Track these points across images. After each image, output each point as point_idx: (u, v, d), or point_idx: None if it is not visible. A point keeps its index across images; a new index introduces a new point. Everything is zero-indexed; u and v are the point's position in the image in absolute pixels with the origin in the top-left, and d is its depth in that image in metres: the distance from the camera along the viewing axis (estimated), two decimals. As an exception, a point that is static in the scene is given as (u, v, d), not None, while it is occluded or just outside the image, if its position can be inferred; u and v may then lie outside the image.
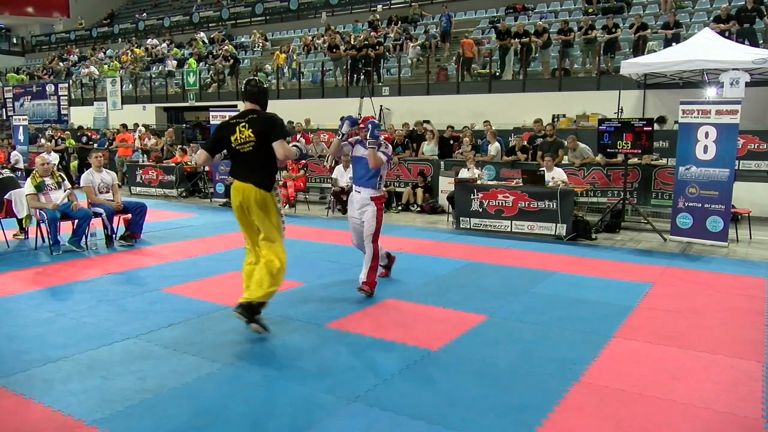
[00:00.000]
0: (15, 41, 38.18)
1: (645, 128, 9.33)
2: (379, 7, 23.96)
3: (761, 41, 13.21)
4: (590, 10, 17.83)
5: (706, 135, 8.59)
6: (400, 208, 12.30)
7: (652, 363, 4.36)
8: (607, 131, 9.64)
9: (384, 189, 6.14)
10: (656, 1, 17.38)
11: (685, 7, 16.81)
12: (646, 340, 4.83)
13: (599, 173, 10.55)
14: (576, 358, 4.41)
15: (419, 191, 12.22)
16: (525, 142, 11.86)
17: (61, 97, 22.30)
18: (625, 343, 4.77)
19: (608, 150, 9.85)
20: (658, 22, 15.74)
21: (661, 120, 12.23)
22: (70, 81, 26.01)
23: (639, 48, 14.52)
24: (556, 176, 9.77)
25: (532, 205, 9.40)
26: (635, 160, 10.26)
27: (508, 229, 9.64)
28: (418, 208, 12.11)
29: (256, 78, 5.21)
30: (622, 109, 13.34)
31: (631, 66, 12.30)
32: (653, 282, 6.63)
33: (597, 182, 10.57)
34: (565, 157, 11.04)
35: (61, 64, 30.32)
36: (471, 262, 7.63)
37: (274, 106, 5.30)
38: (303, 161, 13.08)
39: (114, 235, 8.44)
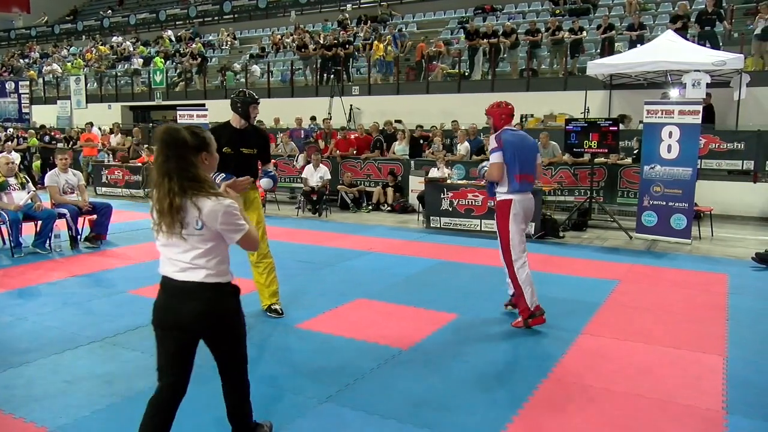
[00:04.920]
0: (-28, 37, 37.13)
1: (611, 128, 9.48)
2: (349, 6, 23.90)
3: (721, 44, 13.55)
4: (557, 11, 18.05)
5: (670, 135, 8.79)
6: (370, 207, 12.30)
7: (619, 359, 4.44)
8: (573, 131, 9.75)
9: (507, 191, 5.05)
10: (621, 3, 17.69)
11: (649, 9, 17.15)
12: (613, 336, 4.92)
13: (566, 172, 10.70)
14: (545, 355, 4.47)
15: (390, 190, 12.24)
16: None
17: (23, 95, 21.70)
18: (593, 339, 4.85)
19: (575, 150, 9.99)
20: (623, 24, 16.02)
21: (622, 119, 12.46)
22: (37, 79, 25.42)
23: (606, 49, 14.75)
24: (524, 175, 9.85)
25: (501, 204, 9.46)
26: (602, 159, 10.43)
27: (478, 228, 9.71)
28: (389, 208, 12.13)
29: (245, 90, 5.22)
30: (588, 109, 13.55)
31: (598, 67, 12.51)
32: (620, 279, 6.75)
33: (564, 181, 10.71)
34: (534, 157, 11.16)
35: (21, 61, 29.58)
36: (441, 261, 7.67)
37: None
38: (274, 161, 12.95)
39: (79, 237, 8.26)
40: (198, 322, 2.66)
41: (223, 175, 5.02)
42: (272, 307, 5.35)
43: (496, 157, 5.00)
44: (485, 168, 5.26)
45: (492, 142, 5.07)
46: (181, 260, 2.63)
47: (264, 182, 5.39)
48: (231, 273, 2.74)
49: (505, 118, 5.17)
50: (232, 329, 2.78)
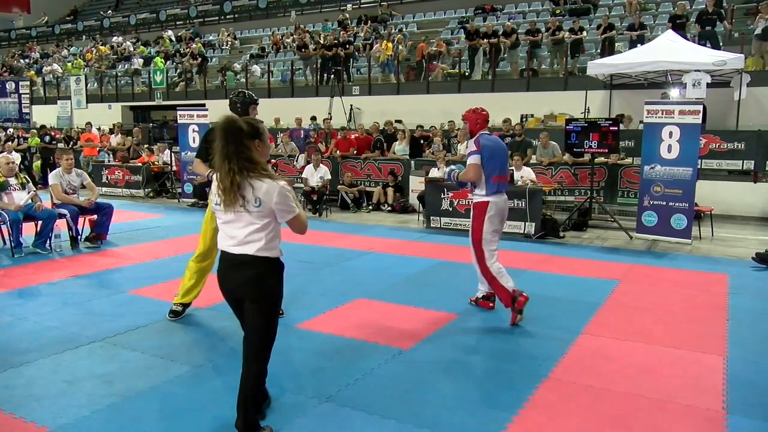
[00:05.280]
0: (-28, 37, 37.11)
1: (611, 128, 9.47)
2: (349, 6, 23.91)
3: (721, 44, 13.55)
4: (557, 11, 18.05)
5: (670, 135, 8.78)
6: (370, 207, 12.30)
7: (619, 359, 4.44)
8: (574, 131, 9.73)
9: (485, 194, 5.28)
10: (621, 3, 17.69)
11: (649, 9, 17.14)
12: (613, 336, 4.92)
13: (567, 172, 10.70)
14: (545, 356, 4.47)
15: (390, 191, 12.24)
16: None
17: (23, 95, 21.68)
18: (593, 339, 4.85)
19: (575, 149, 9.98)
20: (623, 24, 16.02)
21: (621, 119, 12.45)
22: (39, 78, 25.42)
23: (606, 49, 14.75)
24: (524, 175, 9.87)
25: (501, 204, 9.46)
26: (602, 159, 10.43)
27: (478, 228, 9.69)
28: (389, 208, 12.13)
29: (244, 91, 5.26)
30: (588, 109, 13.55)
31: (598, 66, 12.50)
32: (620, 279, 6.75)
33: (564, 181, 10.71)
34: (533, 156, 11.17)
35: (21, 61, 29.59)
36: (441, 261, 7.67)
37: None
38: (273, 161, 12.97)
39: (79, 237, 8.26)
40: (243, 289, 3.05)
41: (454, 167, 5.40)
42: None
43: (474, 159, 5.28)
44: (454, 170, 5.56)
45: (471, 146, 5.35)
46: (238, 235, 3.01)
47: None
48: (281, 251, 3.13)
49: (480, 123, 5.41)
50: (268, 304, 3.11)
